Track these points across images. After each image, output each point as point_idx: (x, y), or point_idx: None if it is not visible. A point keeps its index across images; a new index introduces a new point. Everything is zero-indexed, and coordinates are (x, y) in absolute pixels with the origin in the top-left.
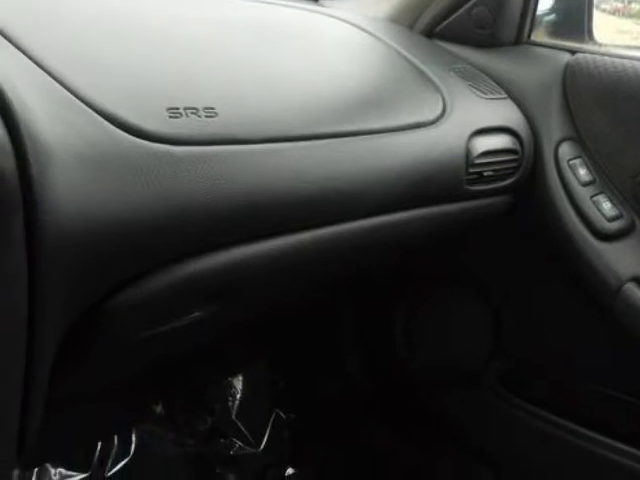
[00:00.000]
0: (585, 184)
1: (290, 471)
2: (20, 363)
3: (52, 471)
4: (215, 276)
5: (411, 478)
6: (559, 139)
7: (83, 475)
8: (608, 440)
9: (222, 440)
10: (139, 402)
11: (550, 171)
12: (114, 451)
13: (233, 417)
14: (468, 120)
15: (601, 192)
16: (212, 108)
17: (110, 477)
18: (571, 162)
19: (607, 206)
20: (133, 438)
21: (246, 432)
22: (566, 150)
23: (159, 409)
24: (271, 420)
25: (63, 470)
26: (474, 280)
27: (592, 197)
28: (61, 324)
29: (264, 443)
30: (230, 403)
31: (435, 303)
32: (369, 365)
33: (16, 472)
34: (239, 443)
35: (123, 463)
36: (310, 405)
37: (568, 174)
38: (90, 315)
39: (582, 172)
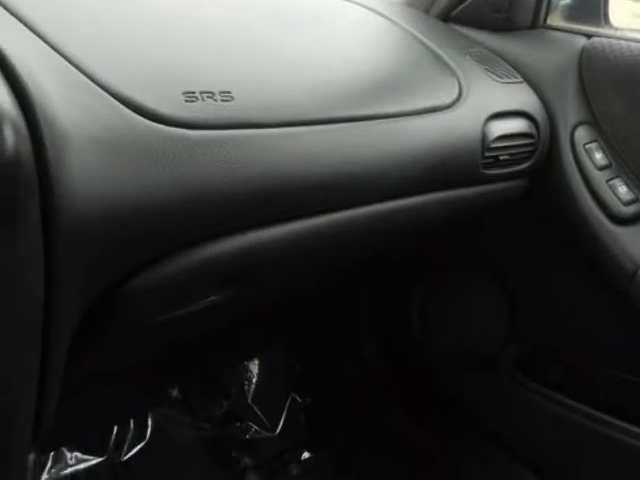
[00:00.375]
0: (601, 168)
1: (306, 455)
2: (36, 347)
3: (68, 455)
4: (231, 260)
5: (427, 462)
6: (575, 123)
7: (99, 459)
8: (624, 424)
9: (238, 424)
10: (155, 386)
11: (566, 155)
12: (130, 435)
13: (249, 401)
14: (484, 104)
15: (617, 176)
16: (228, 92)
17: (126, 461)
18: (587, 146)
19: (623, 190)
20: (149, 422)
21: (262, 416)
22: (582, 134)
23: (175, 393)
24: (287, 404)
25: (79, 454)
26: (490, 264)
27: (608, 181)
28: (77, 308)
29: (280, 427)
30: (246, 387)
31: (451, 287)
32: (385, 349)
33: (32, 456)
34: (255, 427)
35: (139, 447)
36: (326, 389)
37: (584, 158)
38: (106, 299)
39: (598, 156)
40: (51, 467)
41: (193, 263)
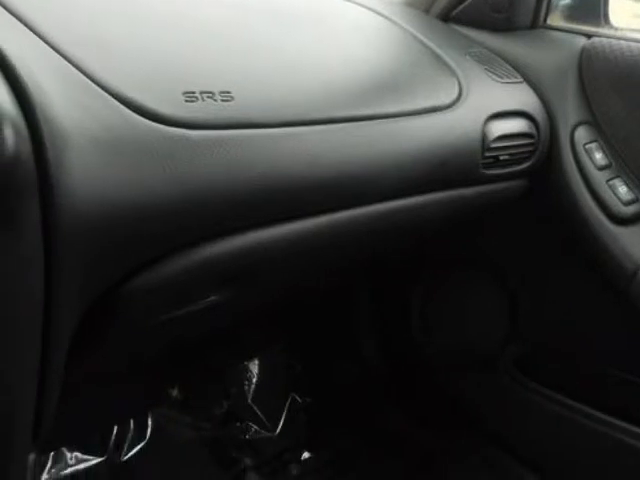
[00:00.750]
0: (601, 168)
1: (306, 455)
2: (36, 347)
3: (68, 455)
4: (231, 260)
5: (427, 462)
6: (575, 123)
7: (99, 459)
8: (624, 424)
9: (238, 424)
10: (155, 386)
11: (566, 155)
12: (130, 435)
13: (249, 401)
14: (484, 104)
15: (617, 176)
16: (228, 92)
17: (126, 461)
18: (587, 146)
19: (623, 190)
20: (149, 422)
21: (262, 416)
22: (582, 134)
23: (175, 393)
24: (287, 404)
25: (79, 454)
26: (490, 264)
27: (608, 181)
28: (77, 308)
29: (280, 427)
30: (246, 387)
31: (451, 287)
32: (385, 349)
33: (32, 456)
34: (255, 427)
35: (139, 447)
36: (326, 389)
37: (584, 158)
38: (106, 299)
39: (598, 156)
40: (51, 467)
41: (193, 263)
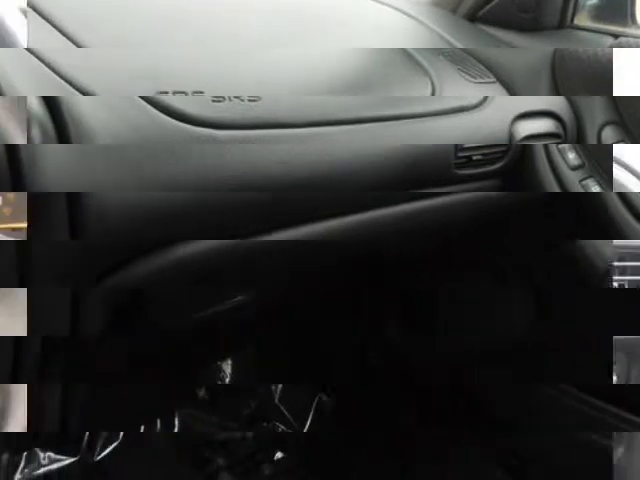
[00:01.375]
0: (574, 168)
1: (279, 455)
2: None
3: (41, 455)
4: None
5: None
6: (603, 123)
7: (72, 459)
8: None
9: (265, 424)
10: (181, 387)
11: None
12: (103, 435)
13: (276, 401)
14: (511, 104)
15: (590, 176)
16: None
17: (99, 461)
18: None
19: (597, 190)
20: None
21: (289, 416)
22: (609, 134)
23: (202, 393)
24: (314, 404)
25: (52, 454)
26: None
27: (581, 181)
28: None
29: (307, 427)
30: (273, 387)
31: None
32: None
33: (5, 456)
34: (282, 427)
35: (112, 447)
36: (350, 388)
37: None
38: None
39: (571, 156)
40: (24, 467)
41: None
